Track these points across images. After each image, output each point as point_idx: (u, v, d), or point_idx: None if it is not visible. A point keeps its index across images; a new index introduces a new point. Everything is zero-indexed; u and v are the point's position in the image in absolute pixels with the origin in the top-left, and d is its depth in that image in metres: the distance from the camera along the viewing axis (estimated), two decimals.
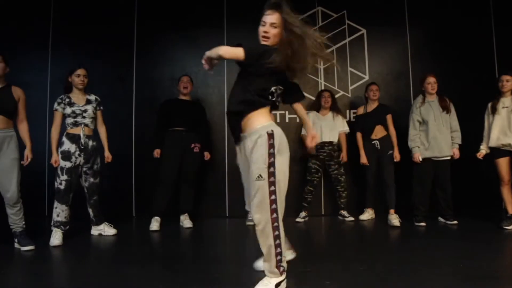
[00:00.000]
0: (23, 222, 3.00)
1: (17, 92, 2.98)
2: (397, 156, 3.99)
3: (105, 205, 3.66)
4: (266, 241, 1.91)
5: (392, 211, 3.91)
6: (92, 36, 4.63)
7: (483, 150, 3.68)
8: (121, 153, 4.56)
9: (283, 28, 1.88)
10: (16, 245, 2.96)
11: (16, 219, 2.95)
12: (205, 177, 4.46)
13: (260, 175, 1.86)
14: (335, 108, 4.22)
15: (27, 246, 2.93)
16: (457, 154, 3.82)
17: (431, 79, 3.84)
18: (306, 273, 2.27)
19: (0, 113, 2.88)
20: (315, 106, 4.26)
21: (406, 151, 3.91)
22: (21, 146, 3.03)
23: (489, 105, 3.71)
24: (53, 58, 4.69)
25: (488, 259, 2.55)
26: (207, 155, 4.06)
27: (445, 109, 3.81)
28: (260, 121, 1.92)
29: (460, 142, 3.83)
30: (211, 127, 4.43)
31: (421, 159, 3.77)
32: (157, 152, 3.89)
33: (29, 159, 3.00)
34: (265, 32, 1.91)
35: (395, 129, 4.07)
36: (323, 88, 4.55)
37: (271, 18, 1.89)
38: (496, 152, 3.61)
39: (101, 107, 3.51)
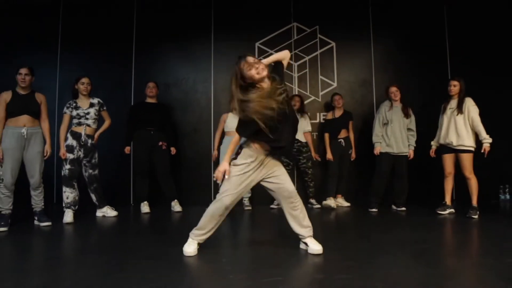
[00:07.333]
0: (43, 203, 3.66)
1: (39, 97, 3.64)
2: (353, 156, 4.88)
3: (108, 194, 4.28)
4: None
5: (339, 196, 4.88)
6: (97, 44, 5.31)
7: (433, 146, 4.29)
8: (122, 151, 5.21)
9: None
10: (36, 222, 3.62)
11: (37, 200, 3.61)
12: (194, 169, 5.17)
13: None
14: (301, 110, 4.90)
15: (45, 222, 3.58)
16: (411, 155, 4.52)
17: (393, 89, 4.54)
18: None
19: (29, 113, 3.53)
20: None
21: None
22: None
23: (442, 106, 4.26)
24: (61, 65, 5.34)
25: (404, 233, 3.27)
26: (173, 150, 4.67)
27: (406, 115, 4.51)
28: None
29: (414, 145, 4.52)
30: (200, 128, 5.26)
31: (379, 153, 4.51)
32: (127, 149, 4.57)
33: (48, 153, 3.65)
34: (258, 73, 2.22)
35: (359, 129, 5.03)
36: (296, 93, 5.24)
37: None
38: (442, 148, 4.19)
39: (104, 108, 4.16)
